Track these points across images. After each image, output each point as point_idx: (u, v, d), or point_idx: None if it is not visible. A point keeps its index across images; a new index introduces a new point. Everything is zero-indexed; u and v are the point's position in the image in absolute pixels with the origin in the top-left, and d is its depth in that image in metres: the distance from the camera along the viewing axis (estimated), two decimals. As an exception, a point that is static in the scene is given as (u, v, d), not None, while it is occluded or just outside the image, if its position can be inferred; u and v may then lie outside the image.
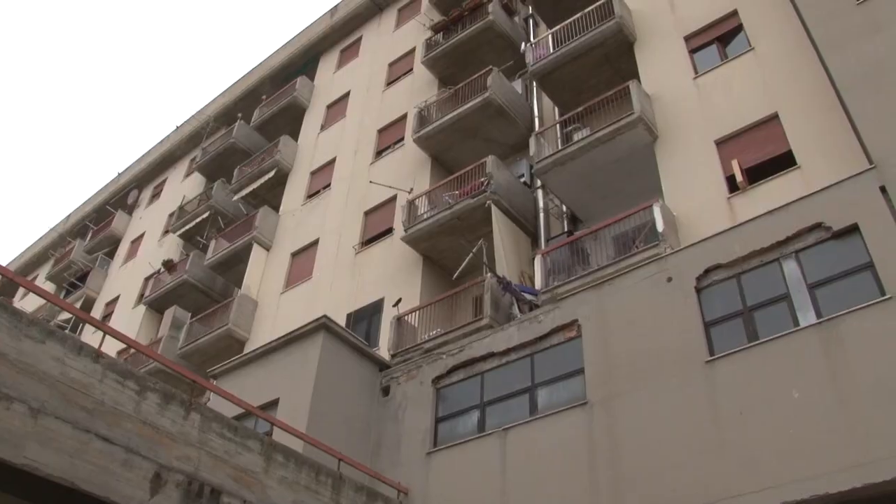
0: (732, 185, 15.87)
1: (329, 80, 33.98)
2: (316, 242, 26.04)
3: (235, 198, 31.91)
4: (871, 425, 10.83)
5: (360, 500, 13.97)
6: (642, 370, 13.71)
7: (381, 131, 27.83)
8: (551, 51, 21.66)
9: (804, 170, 15.07)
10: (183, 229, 33.37)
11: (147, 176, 43.50)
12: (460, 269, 19.63)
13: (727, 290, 13.70)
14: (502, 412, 15.34)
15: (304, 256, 26.27)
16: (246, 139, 34.68)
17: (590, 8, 21.33)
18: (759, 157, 16.01)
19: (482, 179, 20.32)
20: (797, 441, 11.33)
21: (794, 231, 13.29)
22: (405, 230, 21.37)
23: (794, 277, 13.07)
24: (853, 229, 12.78)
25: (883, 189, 12.74)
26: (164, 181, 41.81)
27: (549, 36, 22.25)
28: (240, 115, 36.98)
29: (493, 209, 19.53)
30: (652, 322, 14.11)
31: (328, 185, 27.94)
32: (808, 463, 11.03)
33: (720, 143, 16.81)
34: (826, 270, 12.84)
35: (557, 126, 20.63)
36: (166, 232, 36.53)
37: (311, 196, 28.63)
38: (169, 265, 31.71)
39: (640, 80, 19.35)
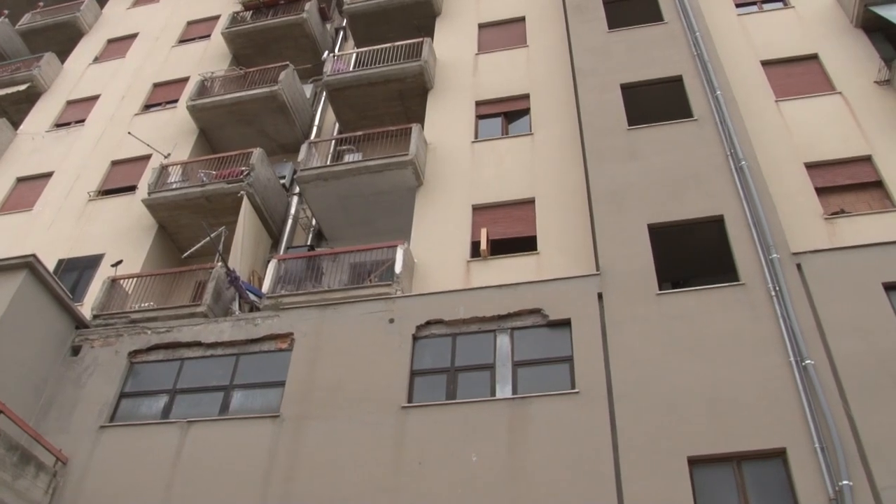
0: (475, 251, 16.60)
1: (120, 14, 31.59)
2: (49, 175, 23.71)
3: (-30, 99, 28.48)
4: (535, 499, 11.84)
5: (11, 460, 12.72)
6: (341, 399, 13.87)
7: (157, 86, 26.22)
8: (351, 69, 21.78)
9: (542, 256, 16.11)
10: None
11: None
12: (193, 249, 18.84)
13: (441, 345, 14.32)
14: (192, 404, 14.80)
15: (30, 185, 23.81)
16: (5, 40, 31.20)
17: (401, 42, 21.76)
18: (507, 233, 16.90)
19: (243, 168, 19.76)
20: (464, 499, 12.03)
21: (516, 310, 14.26)
22: (149, 193, 20.18)
23: (503, 351, 13.97)
24: (566, 323, 13.97)
25: (600, 296, 14.04)
26: None
27: (354, 54, 22.42)
28: (7, 11, 33.17)
29: (245, 201, 19.01)
30: (363, 356, 14.38)
31: (82, 121, 25.76)
32: (467, 523, 11.68)
33: (477, 209, 17.55)
34: (533, 353, 13.90)
35: (333, 142, 20.64)
36: None
37: (60, 125, 26.17)
38: None
39: (423, 126, 19.86)
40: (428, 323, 14.56)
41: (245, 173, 19.59)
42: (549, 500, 11.85)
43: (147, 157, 22.67)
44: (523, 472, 12.23)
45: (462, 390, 13.67)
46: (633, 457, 12.07)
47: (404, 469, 12.68)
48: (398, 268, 15.84)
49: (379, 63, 21.59)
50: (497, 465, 12.39)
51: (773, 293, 13.50)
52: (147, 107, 25.45)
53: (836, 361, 12.65)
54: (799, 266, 13.93)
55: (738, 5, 21.17)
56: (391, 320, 14.74)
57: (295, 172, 20.09)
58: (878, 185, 16.01)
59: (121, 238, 20.37)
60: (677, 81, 17.94)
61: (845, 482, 11.23)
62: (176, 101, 24.86)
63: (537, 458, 12.35)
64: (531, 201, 17.28)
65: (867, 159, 16.42)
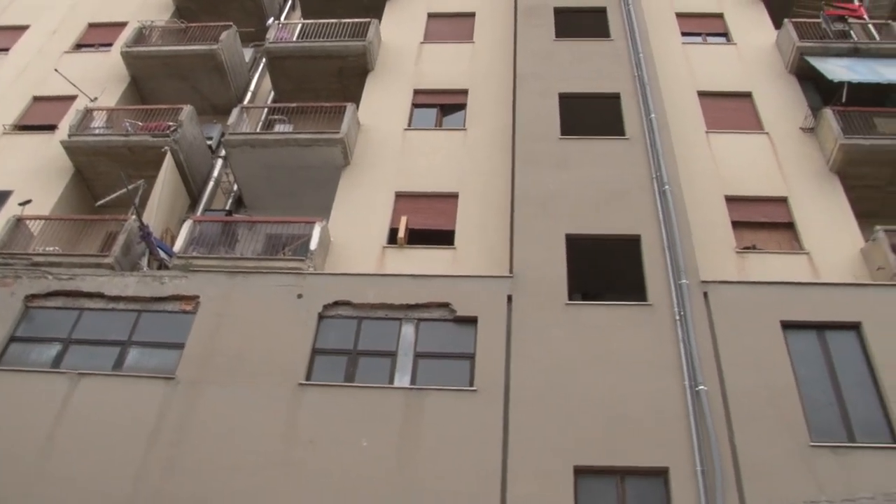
0: (393, 238, 16.48)
1: (60, -58, 30.36)
2: (-37, 102, 22.65)
3: None
4: (420, 490, 11.89)
5: None
6: (239, 368, 13.66)
7: (92, 26, 25.22)
8: (294, 39, 21.46)
9: (458, 252, 16.09)
10: None
11: None
12: (108, 198, 18.14)
13: (346, 327, 14.24)
14: (85, 356, 14.34)
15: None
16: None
17: (348, 20, 21.52)
18: (427, 224, 16.83)
19: (171, 124, 19.21)
20: (350, 481, 12.04)
21: (425, 301, 14.28)
22: (69, 135, 19.42)
23: (407, 341, 13.97)
24: (472, 321, 14.04)
25: (510, 298, 14.13)
26: None
27: (300, 25, 22.11)
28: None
29: (169, 157, 18.48)
30: (267, 328, 14.17)
31: (6, 49, 24.65)
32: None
33: (400, 196, 17.41)
34: (436, 346, 13.95)
35: (266, 110, 20.31)
36: None
37: (-20, 50, 25.03)
38: None
39: (358, 107, 19.65)
40: (336, 303, 14.45)
41: (172, 129, 19.04)
42: (434, 492, 11.90)
43: (72, 98, 21.77)
44: (411, 463, 12.25)
45: (361, 374, 13.63)
46: (521, 459, 12.19)
47: (295, 445, 12.57)
48: (313, 244, 15.63)
49: (323, 37, 21.31)
50: (386, 452, 12.38)
51: (677, 317, 13.82)
52: (79, 46, 24.47)
53: (728, 390, 13.02)
54: (706, 294, 14.29)
55: (684, 34, 21.60)
56: (299, 296, 14.57)
57: (223, 135, 19.64)
58: (790, 226, 16.55)
59: (33, 177, 19.54)
60: (615, 98, 18.19)
61: (719, 505, 11.59)
62: (110, 44, 23.94)
63: (427, 450, 12.38)
64: (454, 196, 17.24)
65: (783, 200, 16.95)
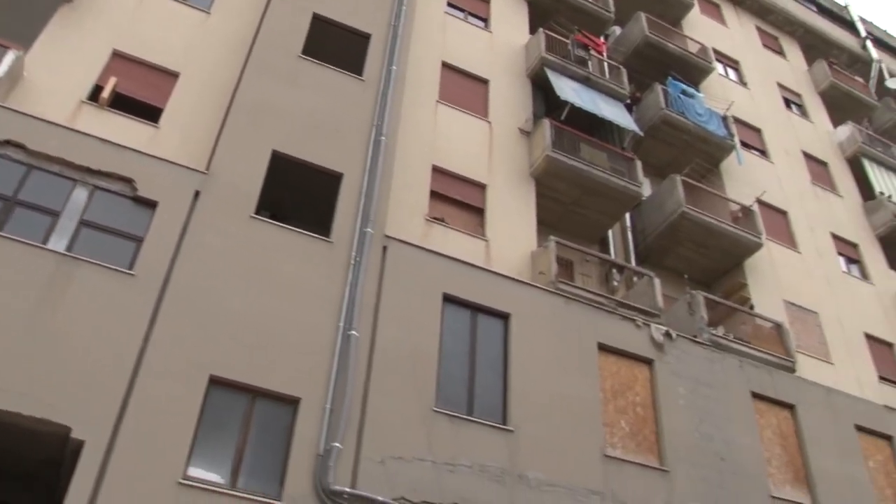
0: (95, 96, 15.16)
1: None
2: None
3: None
4: (44, 360, 11.31)
5: None
6: None
7: None
8: None
9: (161, 132, 14.84)
10: None
11: None
12: None
13: (12, 171, 13.00)
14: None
15: None
16: None
17: None
18: (138, 94, 15.42)
19: None
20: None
21: (109, 170, 13.39)
22: None
23: (76, 204, 13.11)
24: (152, 205, 13.44)
25: (197, 194, 13.70)
26: None
27: None
28: None
29: None
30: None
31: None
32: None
33: (117, 55, 15.83)
34: (106, 219, 13.18)
35: None
36: None
37: None
38: None
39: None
40: (7, 142, 13.03)
41: None
42: (59, 368, 11.32)
43: None
44: (45, 330, 11.53)
45: (13, 225, 12.43)
46: (159, 355, 11.98)
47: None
48: (1, 71, 13.93)
49: None
50: (20, 313, 11.54)
51: (352, 262, 14.27)
52: None
53: (377, 342, 13.75)
54: (385, 248, 14.89)
55: (449, 4, 21.97)
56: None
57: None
58: (480, 212, 17.72)
59: None
60: (365, 38, 18.13)
61: (336, 444, 12.22)
62: None
63: (65, 321, 11.71)
64: (175, 74, 16.17)
65: (482, 187, 18.07)
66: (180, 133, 15.24)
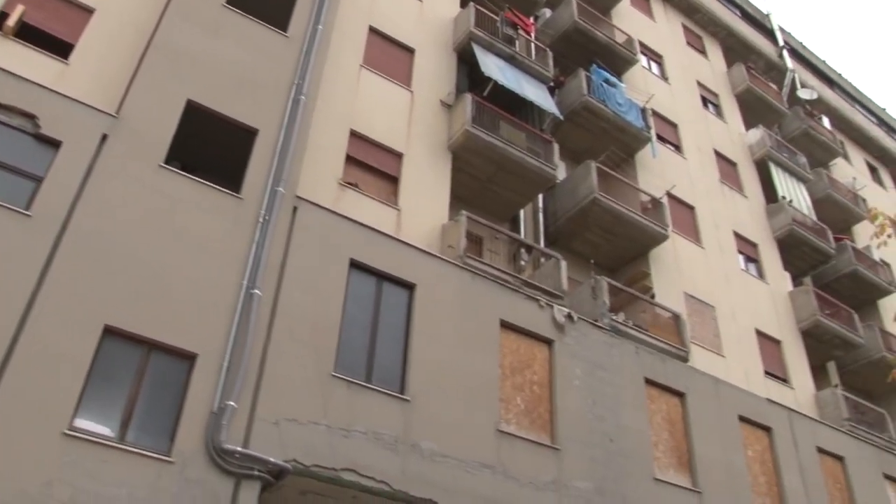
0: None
1: None
2: None
3: None
4: None
5: None
6: None
7: None
8: None
9: (70, 69, 14.21)
10: None
11: None
12: None
13: None
14: None
15: None
16: None
17: None
18: (48, 27, 14.62)
19: None
20: None
21: (9, 104, 12.78)
22: None
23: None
24: (56, 144, 12.93)
25: (104, 137, 13.21)
26: None
27: None
28: None
29: None
30: None
31: None
32: None
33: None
34: (2, 155, 12.59)
35: None
36: None
37: None
38: None
39: None
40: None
41: None
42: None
43: None
44: None
45: None
46: (51, 301, 11.53)
47: None
48: None
49: None
50: None
51: (261, 220, 14.04)
52: None
53: (280, 303, 13.59)
54: (295, 209, 14.70)
55: (386, -34, 21.67)
56: None
57: None
58: (395, 181, 17.65)
59: None
60: (292, -5, 17.74)
61: (231, 403, 12.05)
62: None
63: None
64: (90, 10, 15.31)
65: (399, 156, 18.00)
66: (91, 72, 14.62)
